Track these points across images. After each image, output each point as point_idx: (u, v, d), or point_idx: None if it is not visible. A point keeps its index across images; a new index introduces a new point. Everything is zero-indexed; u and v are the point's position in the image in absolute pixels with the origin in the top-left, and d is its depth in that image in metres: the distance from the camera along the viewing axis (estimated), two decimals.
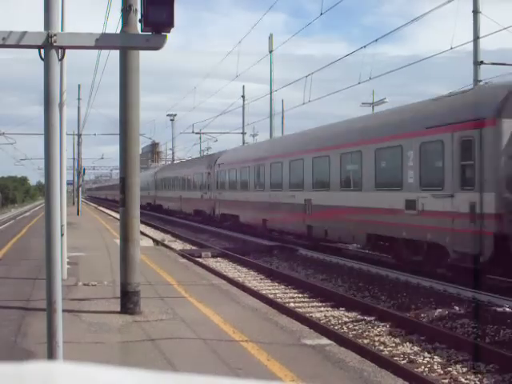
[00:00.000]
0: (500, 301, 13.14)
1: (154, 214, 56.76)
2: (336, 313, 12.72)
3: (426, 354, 9.39)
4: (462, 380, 8.21)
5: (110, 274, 13.47)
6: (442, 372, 8.61)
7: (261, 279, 17.84)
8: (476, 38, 22.31)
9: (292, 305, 13.55)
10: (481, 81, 22.95)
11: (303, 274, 18.43)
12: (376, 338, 10.50)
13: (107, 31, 14.88)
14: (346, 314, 12.57)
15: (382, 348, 9.88)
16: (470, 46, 22.56)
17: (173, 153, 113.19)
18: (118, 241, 11.51)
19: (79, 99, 45.44)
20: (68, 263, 14.04)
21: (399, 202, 17.35)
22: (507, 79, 18.15)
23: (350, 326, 11.52)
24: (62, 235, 7.27)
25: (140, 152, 11.25)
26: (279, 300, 13.99)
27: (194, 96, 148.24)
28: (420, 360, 9.15)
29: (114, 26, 13.45)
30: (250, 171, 31.22)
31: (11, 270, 14.95)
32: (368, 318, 11.95)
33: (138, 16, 6.59)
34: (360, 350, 8.64)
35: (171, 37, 6.11)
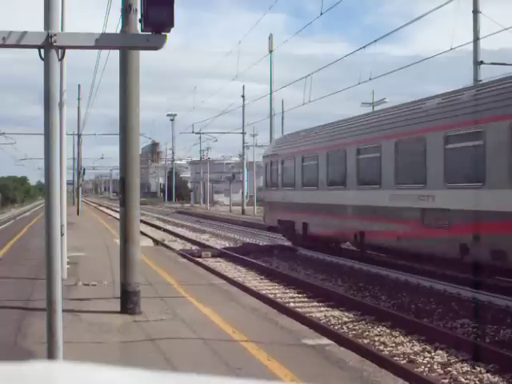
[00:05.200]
0: (500, 301, 13.15)
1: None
2: (336, 313, 12.71)
3: (426, 354, 9.39)
4: (462, 380, 8.21)
5: (110, 274, 13.46)
6: (441, 372, 8.61)
7: (261, 279, 17.84)
8: (476, 38, 22.31)
9: (292, 305, 13.56)
10: (481, 81, 22.95)
11: (303, 274, 18.43)
12: (376, 338, 10.50)
13: (107, 31, 14.88)
14: (346, 313, 12.57)
15: (382, 348, 9.88)
16: (471, 46, 22.58)
17: (173, 153, 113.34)
18: (118, 241, 11.51)
19: (79, 99, 45.49)
20: (68, 263, 14.02)
21: None
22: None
23: (350, 326, 11.52)
24: (62, 235, 7.26)
25: (140, 152, 11.24)
26: (279, 300, 13.99)
27: (193, 96, 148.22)
28: (420, 360, 9.15)
29: (114, 26, 13.43)
30: None
31: (11, 269, 14.94)
32: (368, 318, 11.95)
33: (138, 16, 6.59)
34: (360, 349, 8.64)
35: (171, 37, 6.12)
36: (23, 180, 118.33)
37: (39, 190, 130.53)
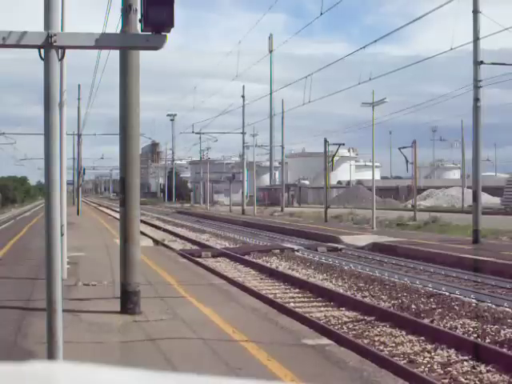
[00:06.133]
0: (500, 301, 13.15)
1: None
2: (336, 313, 12.71)
3: (426, 354, 9.39)
4: (462, 380, 8.21)
5: (110, 274, 13.46)
6: (441, 372, 8.61)
7: (261, 279, 17.84)
8: (476, 38, 22.31)
9: (292, 305, 13.55)
10: (481, 80, 22.95)
11: (303, 274, 18.43)
12: (376, 338, 10.49)
13: (107, 31, 14.86)
14: (346, 313, 12.56)
15: (382, 348, 9.88)
16: (471, 46, 22.58)
17: (173, 153, 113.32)
18: (117, 241, 11.51)
19: (79, 99, 45.48)
20: (68, 263, 14.02)
21: None
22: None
23: (350, 326, 11.51)
24: (62, 235, 7.26)
25: (140, 152, 11.24)
26: (279, 300, 13.98)
27: (194, 96, 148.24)
28: (420, 360, 9.14)
29: (114, 26, 13.42)
30: None
31: (11, 269, 14.95)
32: (368, 318, 11.94)
33: (138, 16, 6.59)
34: (360, 349, 8.63)
35: (171, 37, 6.11)
36: (23, 180, 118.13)
37: (39, 190, 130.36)
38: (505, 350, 9.31)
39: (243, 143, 59.85)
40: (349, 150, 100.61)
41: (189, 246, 28.58)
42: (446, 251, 20.39)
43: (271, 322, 9.24)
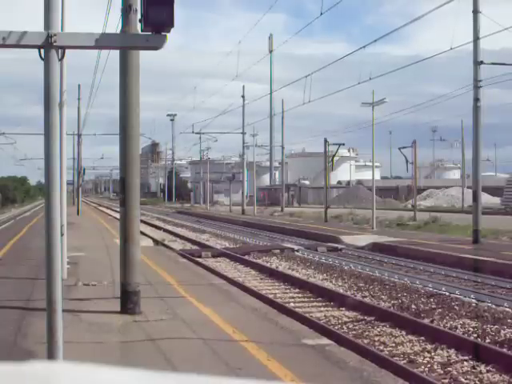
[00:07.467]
0: (500, 301, 13.15)
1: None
2: (336, 313, 12.71)
3: (426, 354, 9.39)
4: (462, 380, 8.21)
5: (110, 274, 13.46)
6: (442, 372, 8.61)
7: (261, 279, 17.84)
8: (476, 38, 22.31)
9: (292, 305, 13.55)
10: (481, 80, 22.95)
11: (303, 274, 18.43)
12: (376, 338, 10.49)
13: (107, 31, 14.85)
14: (346, 313, 12.56)
15: (382, 348, 9.88)
16: (471, 46, 22.59)
17: (173, 153, 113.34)
18: (117, 241, 11.51)
19: (79, 99, 45.48)
20: (68, 263, 14.02)
21: None
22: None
23: (350, 326, 11.51)
24: (61, 235, 7.26)
25: (140, 152, 11.24)
26: (279, 300, 13.98)
27: (194, 96, 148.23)
28: (420, 360, 9.14)
29: (114, 26, 13.43)
30: None
31: (11, 269, 14.94)
32: (368, 318, 11.94)
33: (138, 16, 6.59)
34: (360, 349, 8.63)
35: (171, 37, 6.11)
36: (23, 180, 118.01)
37: (39, 190, 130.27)
38: (505, 350, 9.32)
39: (243, 143, 59.85)
40: (349, 150, 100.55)
41: (189, 246, 28.58)
42: (446, 251, 20.40)
43: (271, 322, 9.24)
